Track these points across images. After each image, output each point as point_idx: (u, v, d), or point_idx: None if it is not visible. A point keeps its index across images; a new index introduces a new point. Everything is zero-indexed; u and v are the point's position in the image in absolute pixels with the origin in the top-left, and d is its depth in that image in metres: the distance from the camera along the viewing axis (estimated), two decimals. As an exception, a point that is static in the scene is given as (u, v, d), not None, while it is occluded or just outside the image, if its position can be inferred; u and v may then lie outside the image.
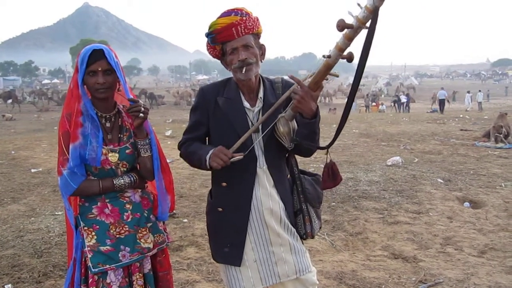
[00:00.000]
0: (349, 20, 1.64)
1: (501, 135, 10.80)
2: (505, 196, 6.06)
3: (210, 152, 2.01)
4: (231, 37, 2.02)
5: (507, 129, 11.09)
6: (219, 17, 2.05)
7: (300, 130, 2.03)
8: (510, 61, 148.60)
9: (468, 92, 33.73)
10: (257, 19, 2.09)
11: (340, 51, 1.72)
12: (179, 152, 2.27)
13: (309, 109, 1.93)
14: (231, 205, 2.15)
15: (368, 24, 1.63)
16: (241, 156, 1.99)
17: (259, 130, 2.09)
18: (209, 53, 2.19)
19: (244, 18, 2.02)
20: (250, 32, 2.04)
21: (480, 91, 33.16)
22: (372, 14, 1.59)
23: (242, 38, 2.02)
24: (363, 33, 1.66)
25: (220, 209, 2.18)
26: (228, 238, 2.17)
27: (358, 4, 1.61)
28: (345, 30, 1.66)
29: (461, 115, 20.38)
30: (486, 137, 11.51)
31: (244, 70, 2.02)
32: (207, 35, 2.10)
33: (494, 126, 11.14)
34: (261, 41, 2.15)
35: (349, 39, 1.68)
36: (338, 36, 1.70)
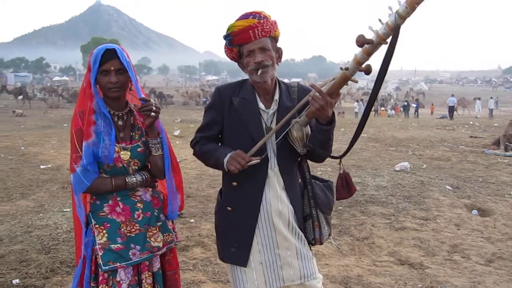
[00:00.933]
0: (369, 35, 1.64)
1: (511, 144, 10.72)
2: (514, 205, 6.01)
3: (228, 155, 2.03)
4: (248, 39, 2.04)
5: (517, 137, 11.00)
6: (237, 20, 2.08)
7: (315, 136, 2.05)
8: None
9: (479, 98, 33.57)
10: (275, 23, 2.10)
11: (358, 64, 1.74)
12: (192, 150, 2.28)
13: (326, 116, 1.94)
14: (241, 205, 2.16)
15: (388, 40, 1.64)
16: (258, 160, 2.03)
17: (273, 133, 2.10)
18: (227, 55, 2.21)
19: (262, 21, 2.04)
20: (267, 35, 2.06)
21: (491, 98, 32.96)
22: (393, 31, 1.60)
23: (259, 41, 2.04)
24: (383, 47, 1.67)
25: (229, 208, 2.20)
26: (235, 238, 2.18)
27: (380, 20, 1.61)
28: (365, 45, 1.66)
29: (470, 122, 20.26)
30: (496, 144, 11.42)
31: (259, 72, 2.04)
32: (225, 37, 2.13)
33: (505, 134, 11.04)
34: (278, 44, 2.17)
35: (368, 54, 1.69)
36: (353, 45, 1.70)
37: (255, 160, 2.02)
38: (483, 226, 5.19)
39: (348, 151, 2.07)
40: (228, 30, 2.10)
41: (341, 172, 2.10)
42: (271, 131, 2.06)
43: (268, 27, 2.05)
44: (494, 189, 6.91)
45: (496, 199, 6.29)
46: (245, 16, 2.07)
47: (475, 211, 5.84)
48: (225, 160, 2.03)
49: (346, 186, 2.10)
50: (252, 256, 2.15)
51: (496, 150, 10.87)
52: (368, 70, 1.74)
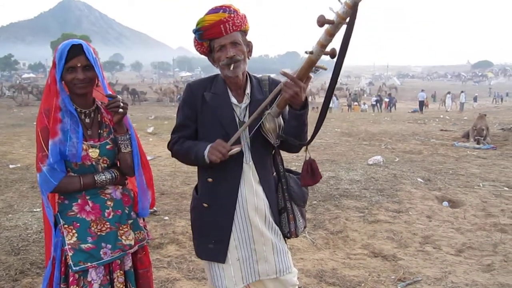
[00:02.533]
0: (330, 16, 1.65)
1: (482, 138, 10.99)
2: (483, 195, 6.17)
3: (208, 146, 2.02)
4: (219, 34, 2.02)
5: (486, 131, 11.29)
6: (207, 14, 2.05)
7: (290, 123, 2.05)
8: (489, 63, 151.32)
9: (449, 93, 34.51)
10: (245, 16, 2.09)
11: (322, 47, 1.74)
12: (170, 151, 2.24)
13: (300, 101, 1.95)
14: (217, 201, 2.15)
15: (348, 20, 1.65)
16: (239, 149, 2.01)
17: (248, 124, 2.09)
18: (197, 49, 2.18)
19: (232, 15, 2.02)
20: (238, 29, 2.05)
21: (462, 92, 33.79)
22: (352, 9, 1.61)
23: (230, 35, 2.03)
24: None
25: (205, 205, 2.18)
26: (212, 234, 2.16)
27: (339, 0, 1.63)
28: (326, 25, 1.67)
29: (441, 116, 20.69)
30: (465, 137, 11.70)
31: (232, 67, 2.03)
32: (195, 31, 2.10)
33: (475, 128, 11.31)
34: (247, 38, 2.16)
35: (330, 35, 1.70)
36: (321, 33, 1.71)
37: (236, 148, 2.00)
38: (453, 217, 5.30)
39: (314, 137, 2.06)
40: (198, 24, 2.07)
41: (307, 158, 2.09)
42: (247, 122, 2.04)
43: (238, 21, 2.04)
44: (464, 181, 7.08)
45: (466, 191, 6.45)
46: (215, 10, 2.04)
47: (445, 203, 5.97)
48: (205, 151, 2.02)
49: (311, 173, 2.08)
50: (230, 252, 2.14)
51: (465, 143, 11.13)
52: (333, 54, 1.75)
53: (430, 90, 43.40)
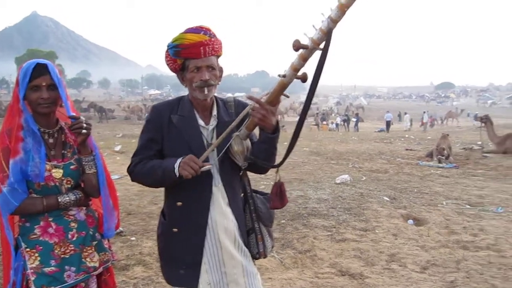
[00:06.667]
0: (305, 41, 1.69)
1: (443, 157, 11.32)
2: (446, 213, 6.32)
3: (179, 160, 1.97)
4: (198, 55, 2.01)
5: (448, 150, 11.64)
6: (187, 32, 2.04)
7: (259, 145, 2.06)
8: (451, 85, 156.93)
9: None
10: (221, 42, 2.11)
11: (295, 71, 1.76)
12: (129, 174, 2.16)
13: (270, 124, 1.95)
14: (187, 225, 2.11)
15: (322, 46, 1.68)
16: (210, 166, 1.99)
17: (214, 148, 2.08)
18: (168, 64, 2.15)
19: (213, 39, 2.04)
20: (215, 54, 2.06)
21: (425, 112, 34.96)
22: (326, 35, 1.65)
23: (208, 59, 2.03)
24: (317, 54, 1.72)
25: (175, 230, 2.13)
26: (183, 259, 2.12)
27: (313, 26, 1.66)
28: (300, 50, 1.70)
29: (406, 135, 21.21)
30: (429, 156, 12.02)
31: (206, 90, 2.03)
32: (171, 47, 2.06)
33: (437, 148, 11.65)
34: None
35: (304, 60, 1.72)
36: (293, 56, 1.74)
37: (208, 166, 1.97)
38: (418, 235, 5.41)
39: (285, 160, 2.06)
40: (176, 40, 2.04)
41: (277, 180, 2.10)
42: (217, 140, 2.03)
43: (217, 46, 2.06)
44: (428, 199, 7.24)
45: (430, 209, 6.59)
46: (196, 30, 2.03)
47: (410, 221, 6.08)
48: (176, 165, 1.96)
49: (279, 195, 2.09)
50: (201, 276, 2.11)
51: (429, 162, 11.43)
52: (304, 78, 1.78)
53: (395, 110, 44.50)
